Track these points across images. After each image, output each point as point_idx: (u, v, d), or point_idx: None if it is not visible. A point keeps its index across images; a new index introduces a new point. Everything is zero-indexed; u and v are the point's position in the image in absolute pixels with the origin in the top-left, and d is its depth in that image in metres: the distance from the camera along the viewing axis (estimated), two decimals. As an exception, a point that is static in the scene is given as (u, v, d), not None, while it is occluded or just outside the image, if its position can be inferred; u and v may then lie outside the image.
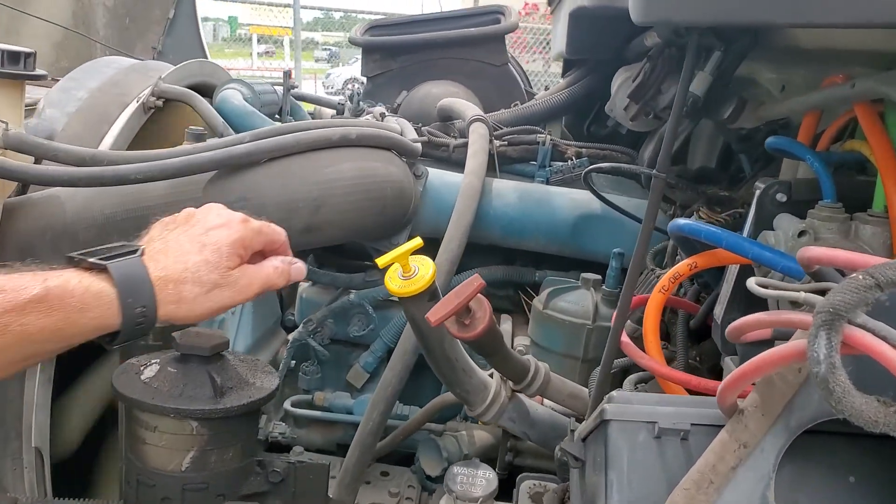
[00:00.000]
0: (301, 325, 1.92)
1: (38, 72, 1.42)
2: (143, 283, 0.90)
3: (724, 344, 1.21)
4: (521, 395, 1.53)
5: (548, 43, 13.57)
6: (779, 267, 0.97)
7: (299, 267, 1.09)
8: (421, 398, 2.00)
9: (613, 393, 0.86)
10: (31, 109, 1.92)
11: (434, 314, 1.21)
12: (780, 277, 1.00)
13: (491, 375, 1.52)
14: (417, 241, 1.22)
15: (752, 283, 0.76)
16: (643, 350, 1.22)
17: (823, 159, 1.08)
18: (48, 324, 0.84)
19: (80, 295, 0.86)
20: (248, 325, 1.88)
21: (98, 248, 0.93)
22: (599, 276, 1.76)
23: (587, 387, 1.70)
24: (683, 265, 1.12)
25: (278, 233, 1.07)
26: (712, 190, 1.55)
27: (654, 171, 1.05)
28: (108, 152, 1.42)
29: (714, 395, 0.76)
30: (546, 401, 1.57)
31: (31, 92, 2.11)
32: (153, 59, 3.75)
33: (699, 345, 1.47)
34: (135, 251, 0.92)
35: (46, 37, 3.68)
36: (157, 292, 0.91)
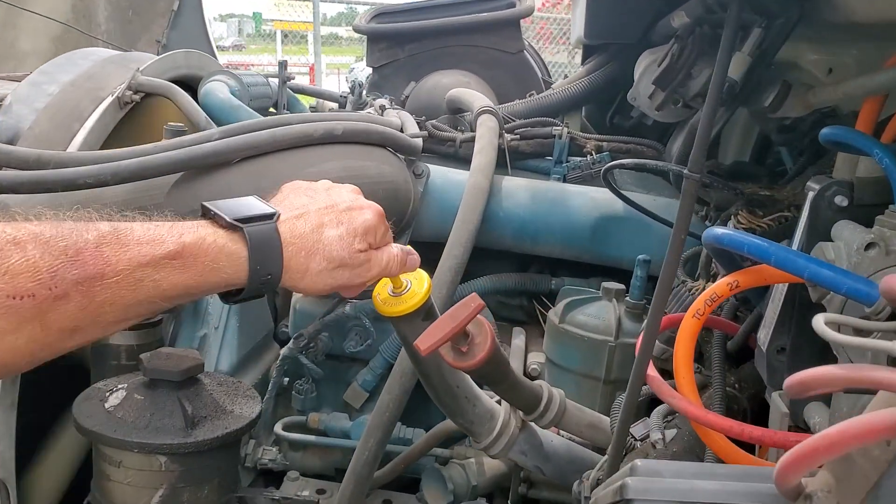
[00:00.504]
0: (292, 340, 1.74)
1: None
2: (274, 251, 0.90)
3: (772, 376, 1.01)
4: (534, 424, 1.35)
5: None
6: (843, 290, 0.77)
7: (415, 258, 1.08)
8: (426, 417, 1.82)
9: (637, 462, 0.67)
10: (-3, 106, 1.77)
11: (424, 341, 1.03)
12: (842, 303, 0.80)
13: (499, 402, 1.34)
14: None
15: (820, 324, 0.57)
16: (668, 376, 1.02)
17: (894, 154, 0.88)
18: (181, 280, 0.84)
19: (214, 254, 0.86)
20: (234, 341, 1.71)
21: (232, 199, 0.92)
22: (622, 286, 1.57)
23: (609, 413, 1.52)
24: (722, 285, 0.92)
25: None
26: (750, 188, 1.35)
27: (686, 169, 0.85)
28: (56, 154, 1.25)
29: (765, 446, 0.57)
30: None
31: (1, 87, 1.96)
32: (157, 53, 3.61)
33: (737, 369, 1.28)
34: (271, 216, 0.91)
35: (45, 31, 3.54)
36: (287, 260, 0.91)
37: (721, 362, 1.21)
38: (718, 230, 0.99)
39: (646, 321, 0.92)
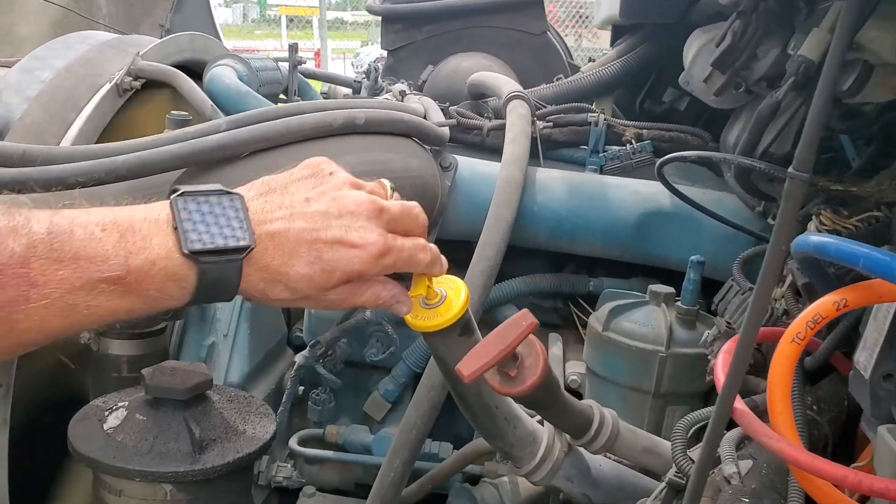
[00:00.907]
0: (308, 347, 1.60)
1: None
2: (229, 284, 0.77)
3: (876, 406, 0.87)
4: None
5: (580, 17, 13.15)
6: None
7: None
8: (454, 428, 1.69)
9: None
10: (-16, 95, 1.63)
11: (467, 366, 0.88)
12: None
13: (541, 421, 1.20)
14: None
15: None
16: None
17: None
18: (120, 306, 0.72)
19: (161, 282, 0.73)
20: (245, 349, 1.57)
21: (214, 195, 0.77)
22: (672, 289, 1.42)
23: (658, 430, 1.38)
24: (828, 304, 0.77)
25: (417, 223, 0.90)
26: (822, 182, 1.19)
27: (791, 168, 0.70)
28: (44, 148, 1.11)
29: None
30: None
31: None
32: (161, 37, 3.46)
33: (815, 387, 1.13)
34: (241, 251, 0.76)
35: (44, 15, 3.39)
36: (243, 288, 0.78)
37: (800, 382, 1.06)
38: (815, 238, 0.84)
39: (734, 353, 0.77)
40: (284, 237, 0.78)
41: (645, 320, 1.41)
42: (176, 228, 0.73)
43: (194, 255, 0.73)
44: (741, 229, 1.48)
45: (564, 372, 1.57)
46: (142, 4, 3.87)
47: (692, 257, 1.37)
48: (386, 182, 0.91)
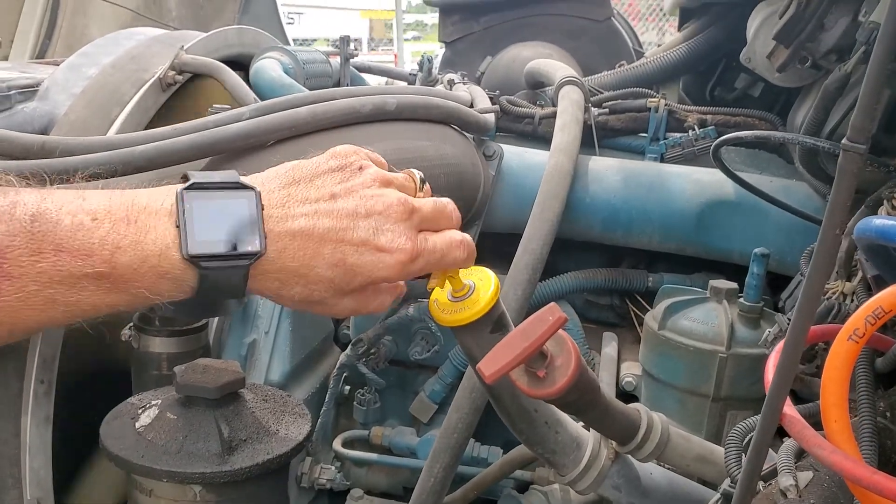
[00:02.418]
0: (350, 345, 1.55)
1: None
2: (234, 290, 0.71)
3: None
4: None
5: (662, 10, 12.87)
6: None
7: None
8: (503, 430, 1.60)
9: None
10: (33, 92, 1.64)
11: (488, 366, 0.81)
12: None
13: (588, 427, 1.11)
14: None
15: None
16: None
17: None
18: (106, 301, 0.67)
19: (152, 280, 0.67)
20: (287, 347, 1.52)
21: (230, 187, 0.72)
22: (734, 285, 1.31)
23: (719, 439, 1.28)
24: (892, 296, 0.67)
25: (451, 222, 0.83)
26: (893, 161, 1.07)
27: (846, 139, 0.61)
28: (62, 139, 1.09)
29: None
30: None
31: (40, 71, 1.83)
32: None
33: (889, 391, 1.01)
34: (251, 256, 0.70)
35: (114, 19, 3.48)
36: (250, 288, 0.72)
37: (869, 386, 0.95)
38: (879, 220, 0.74)
39: (783, 348, 0.68)
40: (308, 237, 0.73)
41: (704, 318, 1.30)
42: (178, 226, 0.68)
43: (194, 259, 0.68)
44: (811, 219, 1.36)
45: (619, 373, 1.48)
46: (210, 6, 3.92)
47: (756, 250, 1.26)
48: (416, 172, 0.84)
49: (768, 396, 0.72)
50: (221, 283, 0.70)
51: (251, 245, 0.70)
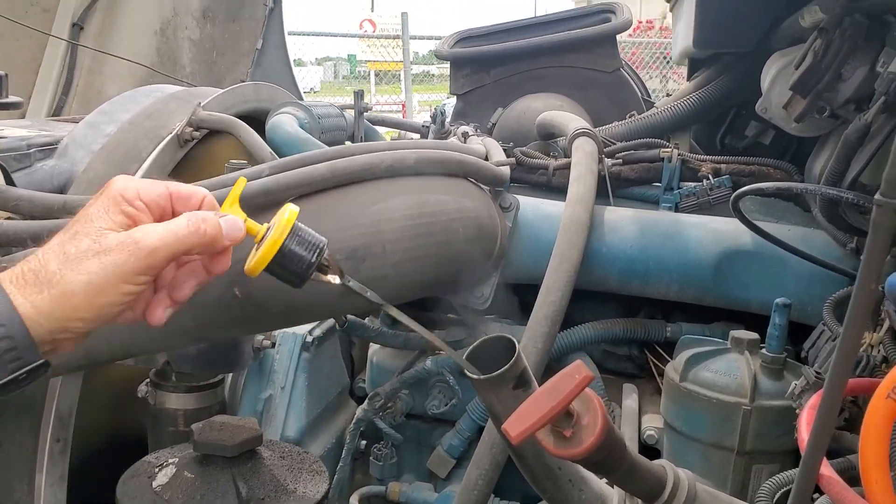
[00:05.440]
0: (367, 400, 1.54)
1: (11, 98, 1.11)
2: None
3: None
4: (655, 511, 1.09)
5: (665, 58, 13.01)
6: None
7: (215, 223, 0.78)
8: (522, 485, 1.58)
9: None
10: (52, 150, 1.65)
11: (514, 426, 0.80)
12: None
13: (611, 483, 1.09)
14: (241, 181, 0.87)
15: None
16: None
17: None
18: None
19: None
20: (303, 402, 1.52)
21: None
22: (756, 335, 1.30)
23: (747, 494, 1.25)
24: (929, 351, 0.66)
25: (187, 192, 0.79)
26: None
27: (879, 194, 0.60)
28: (82, 199, 1.09)
29: None
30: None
31: (59, 129, 1.85)
32: (240, 92, 3.55)
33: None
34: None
35: (130, 75, 3.52)
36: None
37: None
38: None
39: (818, 408, 0.66)
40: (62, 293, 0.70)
41: (727, 370, 1.28)
42: None
43: None
44: (831, 268, 1.35)
45: (640, 426, 1.46)
46: (223, 61, 3.98)
47: (777, 300, 1.25)
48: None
49: (805, 456, 0.71)
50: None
51: None
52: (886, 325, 1.04)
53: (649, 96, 2.81)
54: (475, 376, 0.92)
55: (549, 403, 0.79)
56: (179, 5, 3.69)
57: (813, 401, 0.85)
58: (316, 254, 0.85)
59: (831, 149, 1.26)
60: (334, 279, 0.89)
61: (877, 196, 0.61)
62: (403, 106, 12.83)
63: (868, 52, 1.10)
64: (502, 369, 0.90)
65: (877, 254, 0.63)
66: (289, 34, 4.41)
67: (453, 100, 2.62)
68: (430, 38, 15.50)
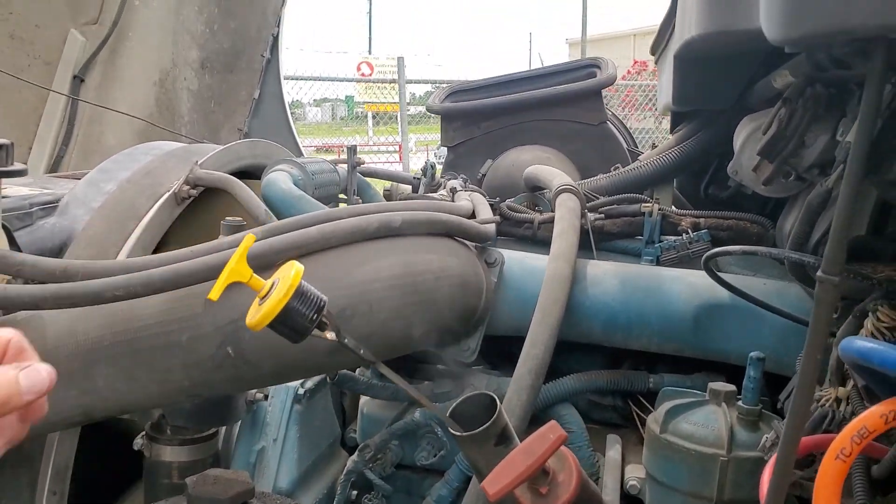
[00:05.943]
0: (357, 451, 1.57)
1: (16, 166, 1.17)
2: None
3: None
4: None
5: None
6: None
7: (10, 380, 0.67)
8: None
9: None
10: (53, 207, 1.71)
11: (493, 484, 0.84)
12: None
13: (591, 534, 1.13)
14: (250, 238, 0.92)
15: None
16: None
17: None
18: None
19: None
20: (294, 454, 1.55)
21: None
22: (733, 387, 1.34)
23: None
24: (875, 416, 0.71)
25: None
26: (884, 272, 1.12)
27: (820, 272, 0.65)
28: (84, 264, 1.15)
29: None
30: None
31: (60, 186, 1.91)
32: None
33: (887, 499, 1.03)
34: None
35: (129, 126, 3.60)
36: None
37: (866, 494, 0.97)
38: (859, 342, 0.78)
39: (776, 462, 0.71)
40: None
41: (704, 421, 1.32)
42: None
43: None
44: (803, 323, 1.39)
45: (623, 477, 1.49)
46: (221, 111, 4.06)
47: (751, 354, 1.29)
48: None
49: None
50: None
51: None
52: (852, 381, 1.09)
53: (636, 145, 2.88)
54: (458, 433, 0.97)
55: (526, 462, 0.84)
56: (178, 57, 3.77)
57: (774, 457, 0.89)
58: (316, 311, 0.91)
59: (799, 209, 1.32)
60: (331, 336, 0.94)
61: (819, 273, 0.66)
62: (400, 147, 13.02)
63: (829, 121, 1.16)
64: (483, 427, 0.94)
65: (821, 326, 0.68)
66: (286, 79, 4.50)
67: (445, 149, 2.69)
68: (426, 81, 15.73)
